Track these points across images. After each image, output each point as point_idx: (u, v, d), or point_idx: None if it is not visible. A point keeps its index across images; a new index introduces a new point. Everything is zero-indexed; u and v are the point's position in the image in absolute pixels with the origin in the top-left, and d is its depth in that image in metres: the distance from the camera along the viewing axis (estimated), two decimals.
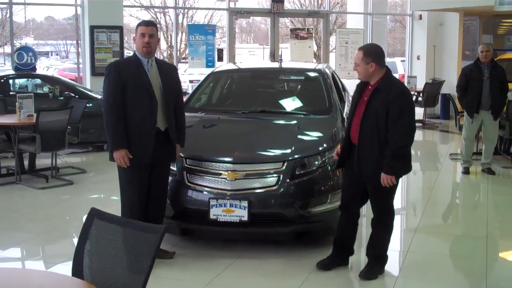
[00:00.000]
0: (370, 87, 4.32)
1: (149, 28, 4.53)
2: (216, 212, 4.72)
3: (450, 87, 12.27)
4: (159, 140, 4.55)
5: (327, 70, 6.57)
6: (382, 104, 4.16)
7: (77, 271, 2.68)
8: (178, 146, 4.75)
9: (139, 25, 4.58)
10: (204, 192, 4.80)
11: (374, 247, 4.49)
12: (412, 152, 10.01)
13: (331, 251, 4.67)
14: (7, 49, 23.37)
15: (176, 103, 4.71)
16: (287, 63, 8.12)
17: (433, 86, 12.71)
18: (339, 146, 4.73)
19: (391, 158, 4.13)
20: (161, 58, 24.48)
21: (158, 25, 4.72)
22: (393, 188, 4.30)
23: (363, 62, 4.26)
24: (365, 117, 4.23)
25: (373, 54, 4.27)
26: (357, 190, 4.43)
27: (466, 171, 8.10)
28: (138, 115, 4.47)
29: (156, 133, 4.53)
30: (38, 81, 10.09)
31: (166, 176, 4.77)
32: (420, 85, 12.99)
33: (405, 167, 4.29)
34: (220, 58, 12.51)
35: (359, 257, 4.77)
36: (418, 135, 12.15)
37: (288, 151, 5.02)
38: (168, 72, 4.70)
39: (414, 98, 13.08)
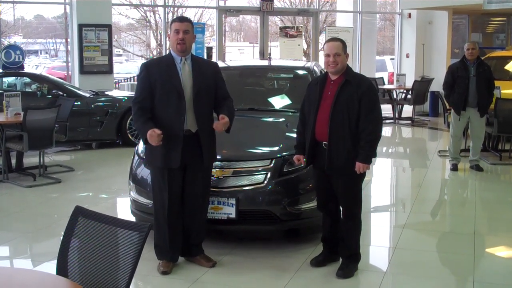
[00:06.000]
0: (332, 82, 4.31)
1: (184, 24, 4.30)
2: None
3: (439, 84, 12.24)
4: (190, 143, 4.31)
5: (315, 68, 6.57)
6: (352, 96, 4.19)
7: (61, 269, 2.67)
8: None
9: (173, 21, 4.33)
10: None
11: (349, 247, 4.45)
12: (401, 149, 10.01)
13: (322, 248, 4.66)
14: None
15: (220, 99, 4.50)
16: (276, 61, 8.13)
17: (422, 84, 12.76)
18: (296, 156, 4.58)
19: (369, 148, 4.20)
20: (151, 57, 24.54)
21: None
22: (362, 178, 4.36)
23: (343, 52, 4.28)
24: (335, 110, 4.20)
25: (345, 46, 4.35)
26: (330, 187, 4.39)
27: (454, 168, 8.14)
28: (166, 117, 4.27)
29: (187, 136, 4.31)
30: (26, 79, 10.03)
31: (202, 180, 4.47)
32: (409, 83, 13.03)
33: (375, 154, 4.34)
34: (210, 56, 12.50)
35: None
36: (407, 132, 12.22)
37: (276, 148, 5.03)
38: (204, 70, 4.42)
39: (403, 95, 13.18)
